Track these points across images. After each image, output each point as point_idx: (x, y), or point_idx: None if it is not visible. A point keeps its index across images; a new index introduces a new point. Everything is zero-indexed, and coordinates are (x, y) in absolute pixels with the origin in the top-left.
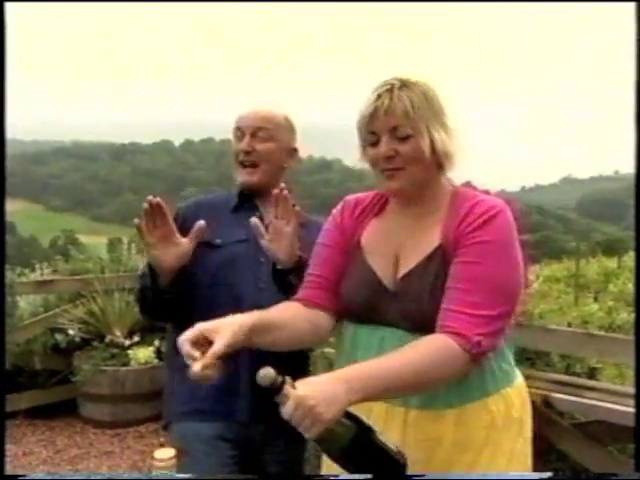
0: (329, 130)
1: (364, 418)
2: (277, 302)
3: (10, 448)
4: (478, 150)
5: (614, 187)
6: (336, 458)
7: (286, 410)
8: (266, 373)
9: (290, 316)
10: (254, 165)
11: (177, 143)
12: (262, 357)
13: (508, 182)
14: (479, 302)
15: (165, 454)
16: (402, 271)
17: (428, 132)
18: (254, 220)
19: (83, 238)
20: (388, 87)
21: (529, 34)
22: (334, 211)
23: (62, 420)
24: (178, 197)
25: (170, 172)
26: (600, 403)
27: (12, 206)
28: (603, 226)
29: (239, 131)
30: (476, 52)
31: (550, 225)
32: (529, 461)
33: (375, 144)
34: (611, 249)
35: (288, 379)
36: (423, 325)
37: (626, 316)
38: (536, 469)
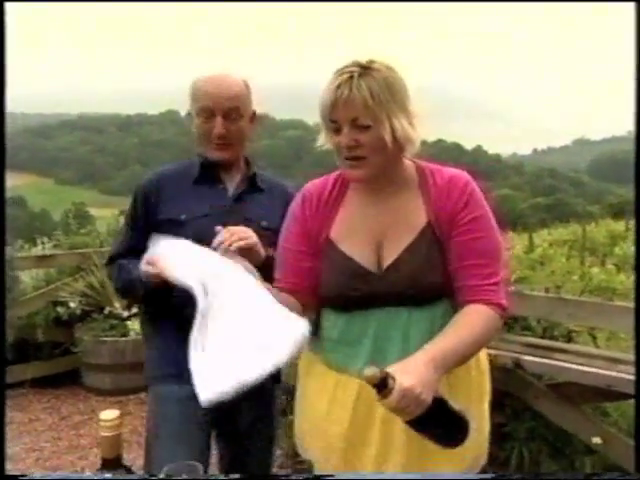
0: None
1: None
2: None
3: (17, 415)
4: (490, 114)
5: (627, 148)
6: (417, 428)
7: (392, 400)
8: (372, 372)
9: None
10: (228, 144)
11: (183, 112)
12: None
13: (520, 145)
14: (494, 271)
15: (109, 415)
16: (390, 255)
17: (389, 121)
18: (218, 229)
19: (94, 211)
20: (348, 75)
21: None
22: (294, 206)
23: (66, 389)
24: None
25: (177, 142)
26: (567, 365)
27: (22, 180)
28: (616, 188)
29: (207, 111)
30: (485, 10)
31: (562, 188)
32: (487, 420)
33: (337, 132)
34: (623, 211)
35: (389, 371)
36: (420, 300)
37: (625, 279)
38: (512, 428)
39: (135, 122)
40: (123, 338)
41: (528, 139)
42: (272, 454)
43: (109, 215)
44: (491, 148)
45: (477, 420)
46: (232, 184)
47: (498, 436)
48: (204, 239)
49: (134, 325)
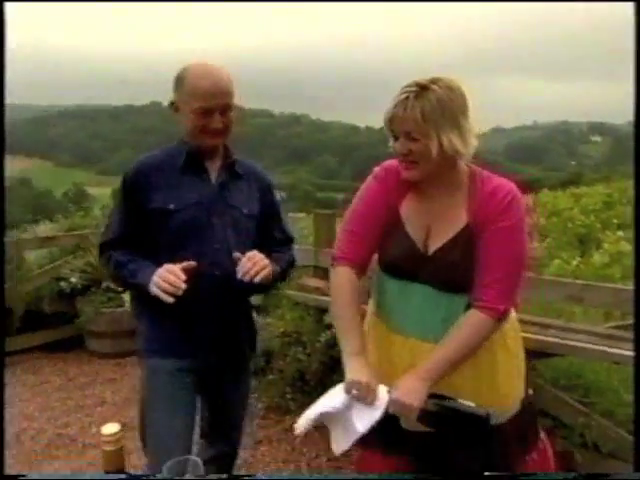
0: (298, 86)
1: (445, 394)
2: (232, 260)
3: (30, 378)
4: None
5: (534, 135)
6: (436, 427)
7: (389, 410)
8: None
9: (358, 307)
10: (222, 133)
11: (165, 103)
12: (218, 304)
13: None
14: (504, 276)
15: (111, 429)
16: (434, 243)
17: (437, 136)
18: (237, 256)
19: (91, 190)
20: (405, 96)
21: None
22: (378, 171)
23: (72, 353)
24: None
25: (163, 129)
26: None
27: (27, 163)
28: (528, 168)
29: (206, 109)
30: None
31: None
32: (522, 377)
33: (395, 139)
34: (530, 187)
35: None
36: (450, 286)
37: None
38: None
39: (124, 112)
40: (119, 309)
41: None
42: (246, 407)
43: (105, 193)
44: None
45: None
46: (214, 172)
47: None
48: (194, 227)
49: (128, 297)
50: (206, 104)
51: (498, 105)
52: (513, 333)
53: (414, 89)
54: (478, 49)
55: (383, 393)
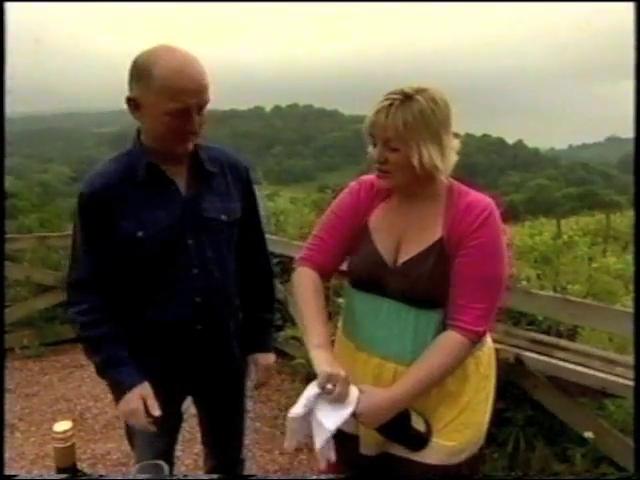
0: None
1: (405, 410)
2: (212, 285)
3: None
4: (531, 112)
5: None
6: (383, 435)
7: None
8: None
9: (322, 304)
10: (196, 135)
11: (267, 109)
12: (202, 331)
13: (557, 141)
14: (481, 297)
15: (62, 427)
16: (404, 255)
17: (417, 147)
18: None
19: None
20: (389, 103)
21: None
22: (353, 184)
23: None
24: (269, 154)
25: (262, 133)
26: (565, 364)
27: None
28: None
29: (184, 110)
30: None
31: (593, 180)
32: (488, 407)
33: (373, 146)
34: None
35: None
36: (417, 302)
37: None
38: (511, 414)
39: (229, 116)
40: None
41: (565, 135)
42: (244, 414)
43: None
44: (531, 142)
45: (473, 415)
46: (182, 180)
47: (498, 420)
48: (167, 254)
49: None
50: (184, 105)
51: (617, 112)
52: (486, 361)
53: (398, 97)
54: (592, 54)
55: (354, 391)
